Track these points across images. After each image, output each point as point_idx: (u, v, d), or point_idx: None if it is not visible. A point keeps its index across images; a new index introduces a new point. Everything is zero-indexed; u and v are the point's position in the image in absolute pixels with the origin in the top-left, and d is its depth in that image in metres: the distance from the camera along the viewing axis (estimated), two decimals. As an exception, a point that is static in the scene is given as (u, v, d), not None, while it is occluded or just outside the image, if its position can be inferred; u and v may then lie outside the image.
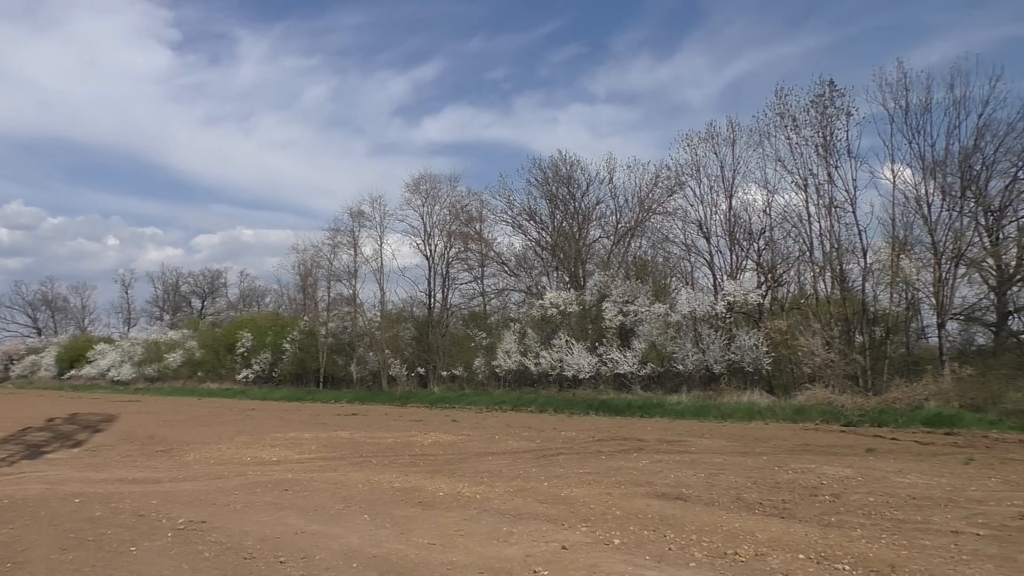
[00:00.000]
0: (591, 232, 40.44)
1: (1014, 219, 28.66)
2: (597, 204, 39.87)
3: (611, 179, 38.80)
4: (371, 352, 44.33)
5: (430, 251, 44.22)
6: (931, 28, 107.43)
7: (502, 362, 37.11)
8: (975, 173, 28.39)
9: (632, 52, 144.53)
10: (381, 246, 44.84)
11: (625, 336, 34.16)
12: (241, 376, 52.74)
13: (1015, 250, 28.26)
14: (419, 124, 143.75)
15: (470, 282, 45.22)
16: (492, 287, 44.51)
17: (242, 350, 53.08)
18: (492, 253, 43.52)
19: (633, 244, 38.70)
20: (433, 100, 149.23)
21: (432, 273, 44.47)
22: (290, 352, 49.53)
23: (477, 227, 44.15)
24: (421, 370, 42.57)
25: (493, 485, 12.06)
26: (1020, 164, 27.96)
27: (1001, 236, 28.72)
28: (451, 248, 44.18)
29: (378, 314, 45.42)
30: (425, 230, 44.19)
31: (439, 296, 44.73)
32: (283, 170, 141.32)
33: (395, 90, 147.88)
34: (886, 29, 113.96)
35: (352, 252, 46.10)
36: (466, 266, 44.92)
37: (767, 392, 28.60)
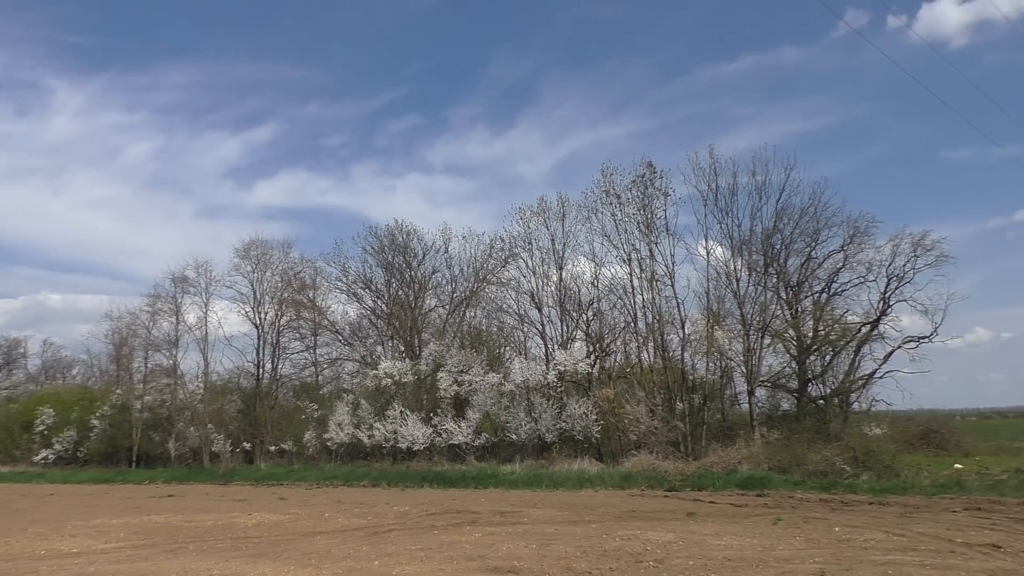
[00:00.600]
0: (427, 301, 40.56)
1: (810, 294, 31.70)
2: (433, 273, 40.18)
3: (447, 249, 39.32)
4: (192, 427, 41.67)
5: (260, 319, 42.62)
6: (738, 119, 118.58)
7: (334, 435, 36.00)
8: (776, 251, 31.26)
9: (469, 126, 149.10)
10: (206, 313, 42.75)
11: (460, 406, 34.21)
12: (40, 457, 47.71)
13: (811, 322, 31.16)
14: (252, 187, 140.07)
15: (302, 351, 43.86)
16: (325, 357, 43.41)
17: (41, 428, 48.17)
18: (326, 322, 42.54)
19: (468, 314, 39.17)
20: (267, 163, 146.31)
21: (261, 342, 42.79)
22: (99, 429, 45.58)
23: (310, 295, 43.12)
24: (247, 445, 40.44)
25: (321, 567, 11.57)
26: (813, 244, 31.14)
27: (800, 309, 31.58)
28: (282, 316, 42.79)
29: (201, 386, 42.95)
30: (255, 297, 42.68)
31: (268, 366, 43.00)
32: (98, 231, 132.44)
33: (227, 151, 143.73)
34: (700, 117, 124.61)
35: (174, 320, 43.58)
36: (298, 335, 43.57)
37: (596, 459, 29.45)
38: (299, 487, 30.74)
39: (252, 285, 42.66)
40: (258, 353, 42.79)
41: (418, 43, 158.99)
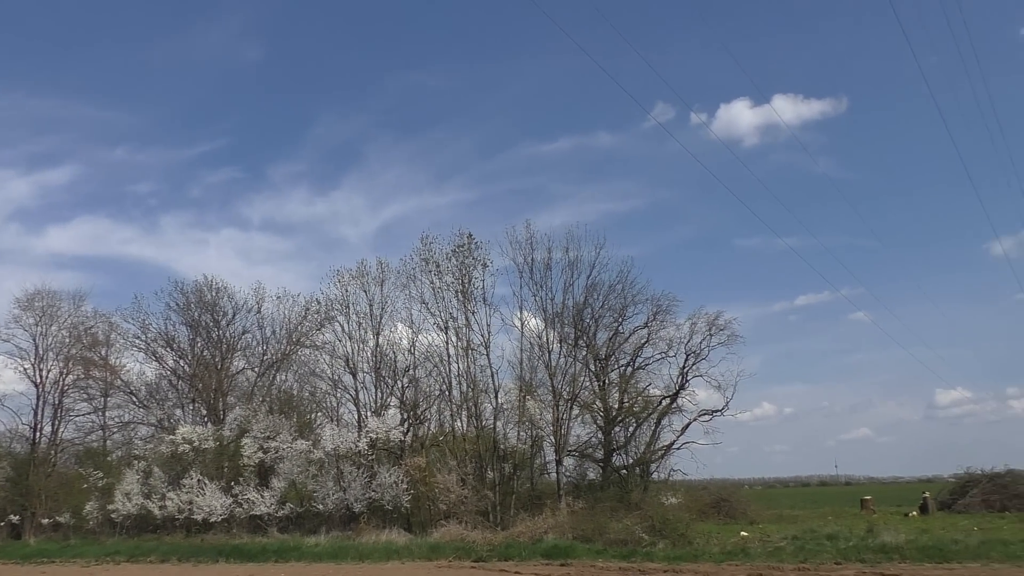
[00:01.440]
0: (235, 363, 38.64)
1: (617, 367, 33.33)
2: (243, 334, 38.45)
3: (260, 309, 37.85)
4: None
5: (41, 377, 38.70)
6: (556, 196, 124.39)
7: (120, 505, 32.98)
8: (586, 325, 32.74)
9: (291, 183, 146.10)
10: (-27, 369, 38.23)
11: (264, 474, 32.55)
12: None
13: (617, 394, 32.70)
14: (42, 232, 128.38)
15: (89, 414, 40.14)
16: (116, 420, 39.91)
17: None
18: (119, 382, 39.29)
19: (279, 377, 37.72)
20: (62, 207, 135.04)
21: (41, 402, 38.77)
22: None
23: (103, 352, 39.80)
24: (15, 518, 36.12)
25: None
26: (620, 320, 32.91)
27: (607, 381, 33.08)
28: (68, 374, 39.11)
29: (-40, 451, 38.06)
30: (37, 353, 38.77)
31: (48, 429, 38.95)
32: None
33: (14, 191, 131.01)
34: (521, 192, 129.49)
35: (-66, 375, 38.62)
36: (86, 395, 39.90)
37: (405, 530, 28.86)
38: (75, 565, 27.69)
39: (34, 340, 38.84)
40: (36, 414, 38.74)
41: (242, 94, 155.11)
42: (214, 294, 38.38)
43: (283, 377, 37.68)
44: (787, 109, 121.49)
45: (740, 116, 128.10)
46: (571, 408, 31.35)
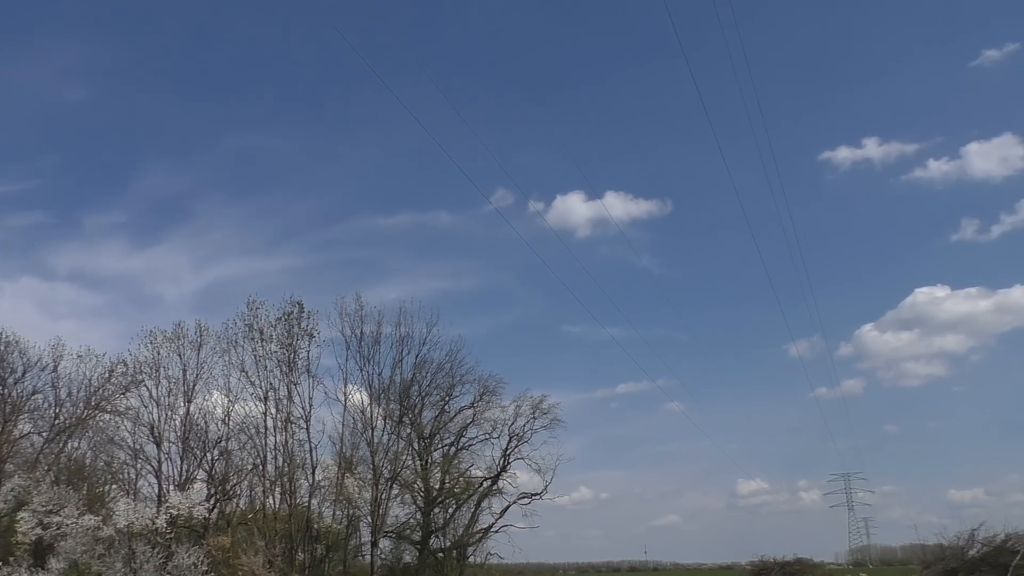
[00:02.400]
0: (20, 426, 34.68)
1: (440, 446, 33.06)
2: (33, 394, 34.68)
3: (56, 367, 34.31)
4: None
5: None
6: (392, 270, 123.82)
7: None
8: (412, 402, 32.35)
9: (107, 234, 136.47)
10: None
11: (41, 553, 29.07)
12: None
13: (439, 474, 32.32)
14: None
15: None
16: None
17: None
18: None
19: (71, 444, 34.20)
20: None
21: None
22: None
23: None
24: None
25: None
26: (447, 398, 32.83)
27: (430, 460, 32.66)
28: None
29: None
30: None
31: None
32: None
33: None
34: (356, 263, 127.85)
35: None
36: None
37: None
38: None
39: None
40: None
41: (59, 134, 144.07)
42: (3, 348, 34.61)
43: (76, 444, 34.25)
44: (617, 206, 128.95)
45: (574, 208, 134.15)
46: (391, 487, 30.61)
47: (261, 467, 30.16)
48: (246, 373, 30.17)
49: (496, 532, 32.60)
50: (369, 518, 29.89)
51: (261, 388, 30.05)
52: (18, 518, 29.05)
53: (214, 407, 30.93)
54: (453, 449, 33.00)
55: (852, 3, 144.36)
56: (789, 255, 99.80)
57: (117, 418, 32.70)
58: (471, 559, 32.92)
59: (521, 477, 34.21)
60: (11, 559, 28.38)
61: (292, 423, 29.94)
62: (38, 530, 28.79)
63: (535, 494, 32.73)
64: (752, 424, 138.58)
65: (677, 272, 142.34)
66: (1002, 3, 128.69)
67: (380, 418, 31.20)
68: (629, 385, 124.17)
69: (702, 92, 51.78)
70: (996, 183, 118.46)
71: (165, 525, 28.32)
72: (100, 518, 28.89)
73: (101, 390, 33.98)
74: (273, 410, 30.07)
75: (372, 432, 30.66)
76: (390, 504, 30.54)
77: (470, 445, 33.07)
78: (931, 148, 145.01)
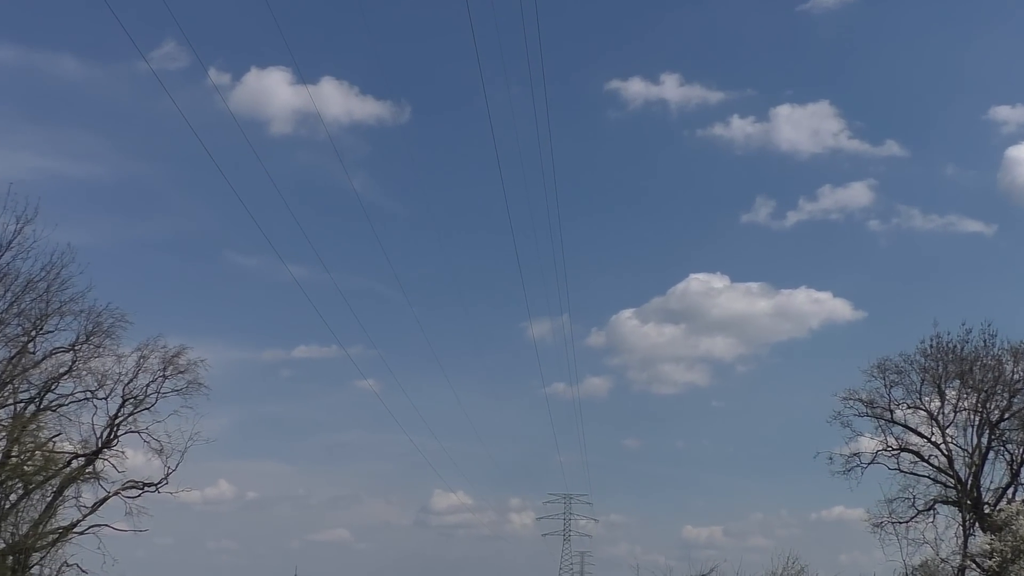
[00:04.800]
0: None
1: (12, 401, 23.55)
2: None
3: None
4: None
5: None
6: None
7: None
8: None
9: None
10: None
11: None
12: None
13: (4, 441, 22.67)
14: None
15: None
16: None
17: None
18: None
19: None
20: None
21: None
22: None
23: None
24: None
25: None
26: (34, 332, 23.24)
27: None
28: None
29: None
30: None
31: None
32: None
33: None
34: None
35: None
36: None
37: None
38: None
39: None
40: None
41: None
42: None
43: None
44: (335, 99, 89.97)
45: (274, 90, 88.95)
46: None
47: None
48: None
49: (82, 534, 24.13)
50: None
51: None
52: None
53: None
54: (33, 407, 23.60)
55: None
56: (545, 205, 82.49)
57: None
58: (34, 569, 23.54)
59: (133, 459, 25.39)
60: None
61: None
62: None
63: (149, 484, 25.12)
64: (464, 420, 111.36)
65: (398, 204, 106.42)
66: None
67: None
68: (311, 349, 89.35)
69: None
70: (801, 159, 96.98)
71: None
72: None
73: None
74: None
75: None
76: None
77: (61, 405, 24.04)
78: (738, 101, 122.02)
